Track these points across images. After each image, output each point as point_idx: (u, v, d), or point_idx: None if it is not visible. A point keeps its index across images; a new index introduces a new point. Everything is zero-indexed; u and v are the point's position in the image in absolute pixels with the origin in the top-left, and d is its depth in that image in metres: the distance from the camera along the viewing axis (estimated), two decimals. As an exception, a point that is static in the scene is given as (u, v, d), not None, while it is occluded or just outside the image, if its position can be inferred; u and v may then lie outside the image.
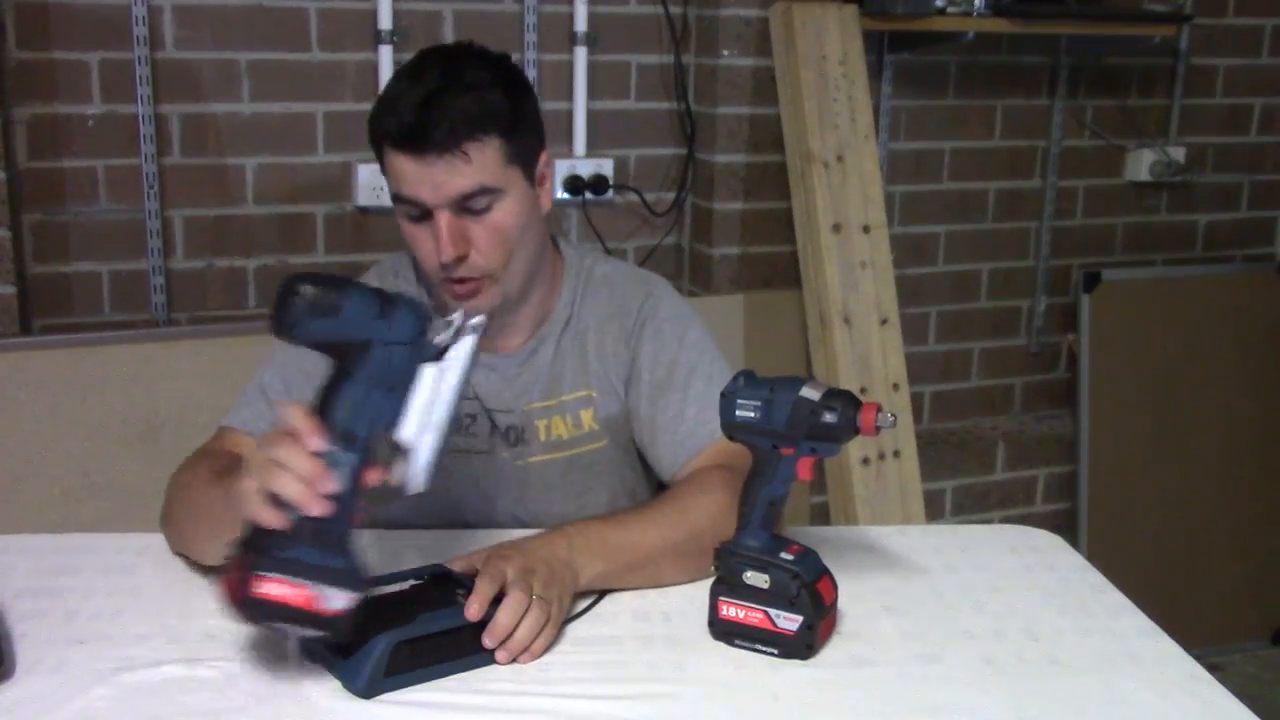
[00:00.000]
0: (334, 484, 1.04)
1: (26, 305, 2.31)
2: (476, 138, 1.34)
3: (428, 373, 1.09)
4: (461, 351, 1.11)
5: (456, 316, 1.13)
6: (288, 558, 1.03)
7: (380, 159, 1.40)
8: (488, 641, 1.14)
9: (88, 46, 2.30)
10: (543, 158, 1.44)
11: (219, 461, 1.35)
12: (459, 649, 1.15)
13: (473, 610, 1.14)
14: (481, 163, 1.35)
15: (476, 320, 1.14)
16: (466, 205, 1.36)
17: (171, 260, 2.42)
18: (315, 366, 1.46)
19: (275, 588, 1.03)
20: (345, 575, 1.04)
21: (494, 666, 1.16)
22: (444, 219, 1.35)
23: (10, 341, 2.21)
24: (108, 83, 2.32)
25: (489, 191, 1.36)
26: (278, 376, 1.46)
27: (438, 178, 1.34)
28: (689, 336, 1.52)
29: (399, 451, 1.07)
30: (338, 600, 1.04)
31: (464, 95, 1.34)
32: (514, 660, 1.16)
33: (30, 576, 1.30)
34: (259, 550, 1.04)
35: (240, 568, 1.04)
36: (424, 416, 1.08)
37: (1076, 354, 3.07)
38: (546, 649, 1.18)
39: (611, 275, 1.56)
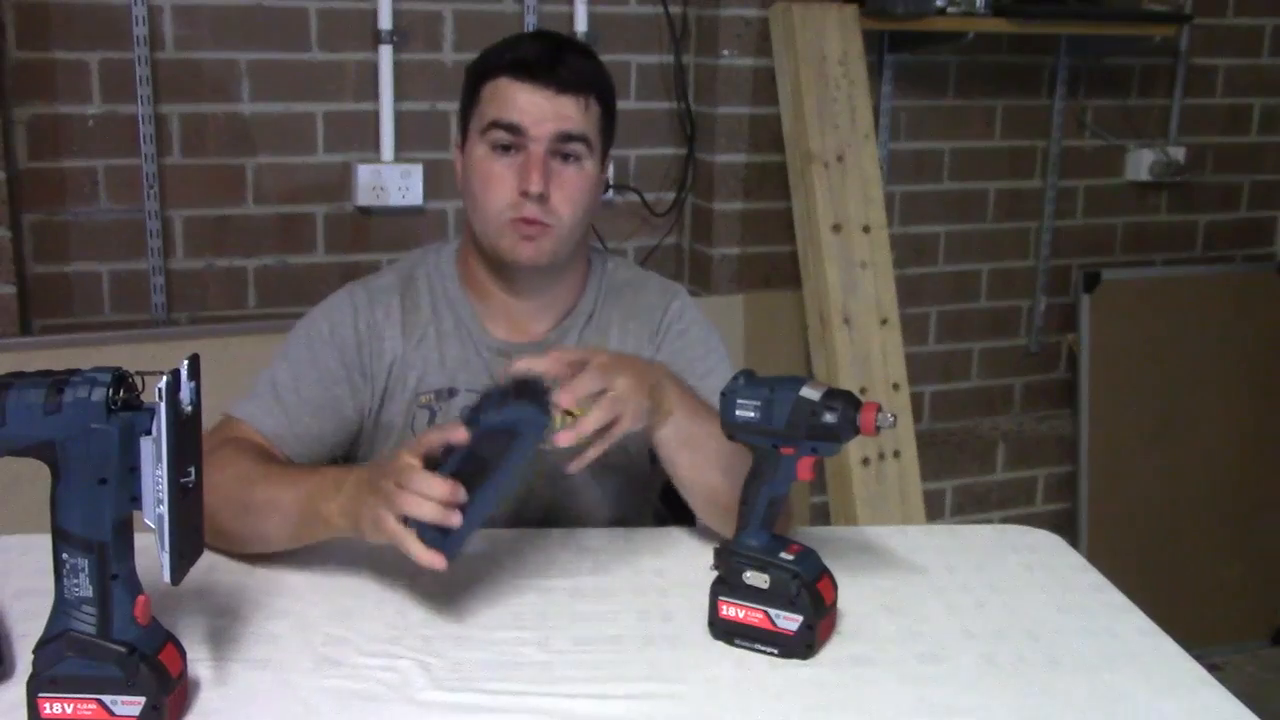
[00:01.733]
0: (440, 488, 1.13)
1: (26, 305, 2.31)
2: (594, 93, 1.44)
3: (146, 448, 0.98)
4: (162, 418, 0.97)
5: (160, 382, 0.98)
6: (59, 675, 1.01)
7: (474, 94, 1.45)
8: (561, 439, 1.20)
9: (88, 46, 2.30)
10: (609, 161, 1.53)
11: (252, 457, 1.37)
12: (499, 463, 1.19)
13: (565, 438, 1.21)
14: (590, 116, 1.44)
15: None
16: (563, 149, 1.42)
17: (171, 260, 2.42)
18: (331, 365, 1.47)
19: (58, 706, 1.01)
20: (119, 683, 1.01)
21: (494, 666, 1.16)
22: (539, 152, 1.41)
23: (10, 341, 2.21)
24: (108, 83, 2.32)
25: (586, 142, 1.44)
26: (290, 373, 1.48)
27: (553, 111, 1.40)
28: (711, 341, 1.59)
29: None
30: (124, 707, 1.01)
31: (589, 60, 1.48)
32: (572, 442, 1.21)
33: (30, 576, 1.30)
34: (35, 671, 1.02)
35: (28, 690, 1.02)
36: (155, 494, 0.99)
37: (1076, 354, 3.07)
38: (602, 450, 1.24)
39: (635, 280, 1.61)
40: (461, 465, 1.16)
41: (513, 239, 1.44)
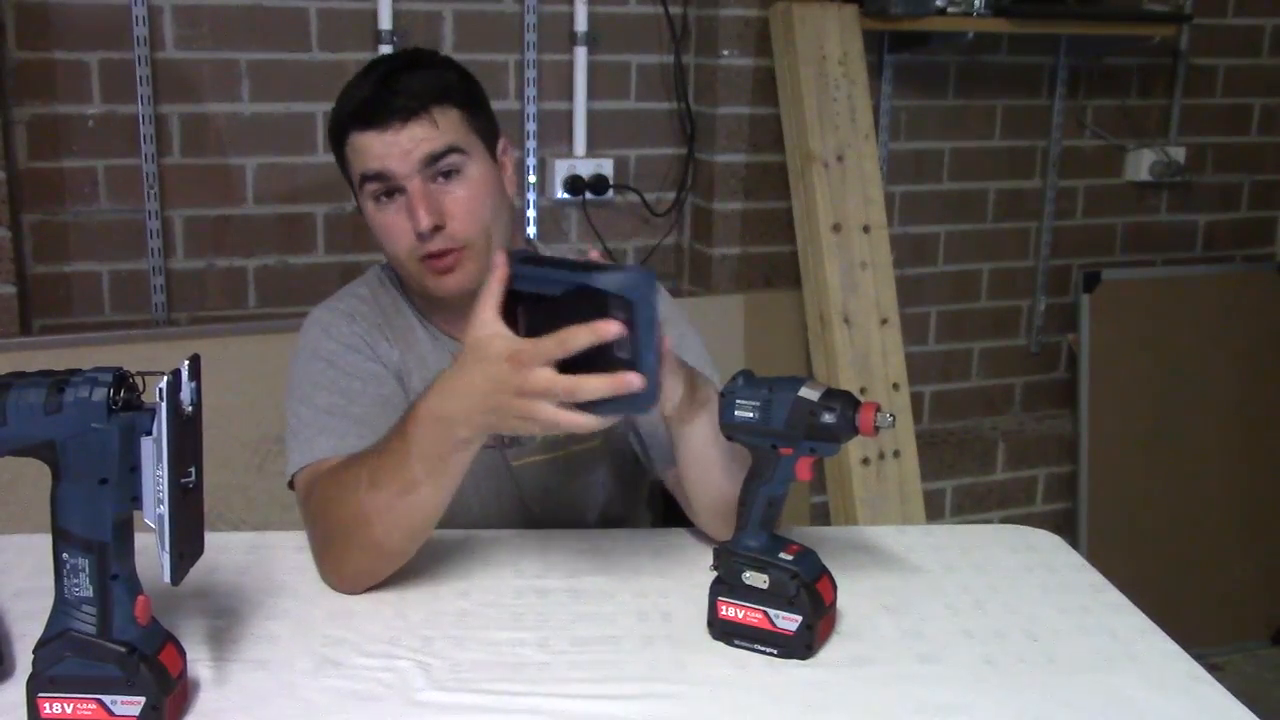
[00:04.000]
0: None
1: (26, 305, 2.31)
2: (440, 104, 1.38)
3: (147, 448, 0.98)
4: (163, 418, 0.97)
5: (161, 382, 0.98)
6: (59, 675, 1.01)
7: (343, 156, 1.42)
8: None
9: (88, 46, 2.30)
10: (501, 143, 1.47)
11: (353, 472, 1.28)
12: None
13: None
14: (446, 125, 1.38)
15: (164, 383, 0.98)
16: (437, 168, 1.37)
17: (171, 260, 2.42)
18: (368, 366, 1.43)
19: (58, 706, 1.01)
20: (119, 682, 1.01)
21: (493, 666, 1.16)
22: (415, 187, 1.36)
23: (10, 341, 2.21)
24: (108, 83, 2.32)
25: (457, 151, 1.38)
26: (333, 396, 1.40)
27: (405, 143, 1.36)
28: (680, 331, 1.52)
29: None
30: (124, 707, 1.01)
31: (422, 72, 1.40)
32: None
33: (30, 576, 1.30)
34: (35, 670, 1.02)
35: (28, 690, 1.02)
36: (155, 494, 0.98)
37: (1076, 354, 3.07)
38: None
39: None
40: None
41: (433, 278, 1.40)
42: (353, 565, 1.29)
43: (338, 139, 1.42)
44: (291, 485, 1.41)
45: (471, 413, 1.16)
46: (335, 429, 1.38)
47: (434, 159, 1.37)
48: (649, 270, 1.11)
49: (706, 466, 1.31)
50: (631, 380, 1.08)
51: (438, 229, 1.37)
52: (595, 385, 1.08)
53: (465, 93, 1.42)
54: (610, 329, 1.07)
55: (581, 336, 1.08)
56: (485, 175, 1.41)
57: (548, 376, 1.10)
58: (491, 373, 1.13)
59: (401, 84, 1.37)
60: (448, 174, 1.38)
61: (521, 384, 1.11)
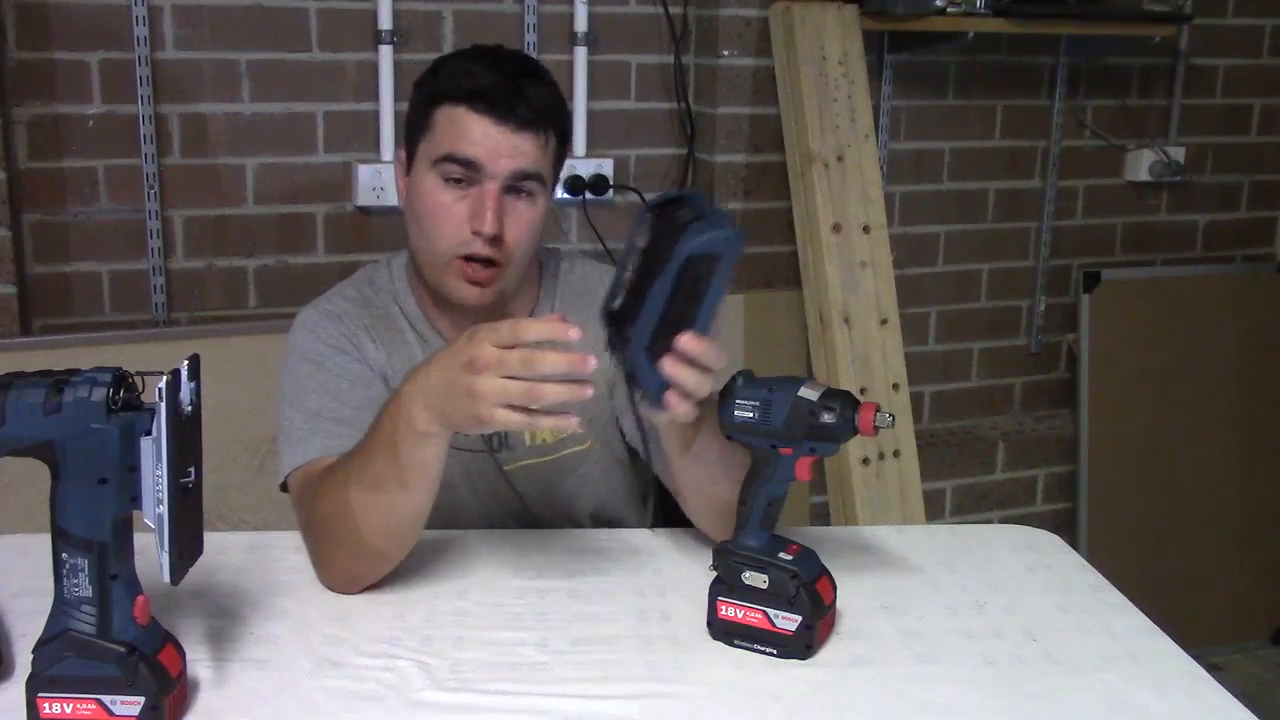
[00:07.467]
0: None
1: (26, 305, 2.31)
2: (551, 128, 1.39)
3: (146, 447, 0.98)
4: (162, 418, 0.97)
5: (161, 382, 0.98)
6: (59, 675, 1.01)
7: (426, 117, 1.38)
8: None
9: (88, 46, 2.30)
10: (559, 178, 1.48)
11: (339, 470, 1.28)
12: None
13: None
14: (545, 152, 1.39)
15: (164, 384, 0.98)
16: (520, 186, 1.37)
17: (171, 260, 2.42)
18: (354, 368, 1.43)
19: (58, 706, 1.01)
20: (118, 682, 1.01)
21: (493, 666, 1.16)
22: (493, 190, 1.36)
23: (10, 341, 2.21)
24: (108, 83, 2.32)
25: (540, 180, 1.39)
26: (322, 398, 1.40)
27: (511, 148, 1.35)
28: None
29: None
30: (123, 707, 1.01)
31: (548, 87, 1.40)
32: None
33: (30, 576, 1.30)
34: (35, 670, 1.02)
35: (28, 689, 1.02)
36: (154, 494, 0.98)
37: (1076, 354, 3.07)
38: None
39: (591, 277, 1.56)
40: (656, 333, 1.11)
41: (457, 280, 1.39)
42: (340, 565, 1.29)
43: (433, 100, 1.38)
44: (284, 488, 1.41)
45: (427, 404, 1.15)
46: (325, 431, 1.38)
47: (523, 176, 1.36)
48: (737, 231, 1.10)
49: (704, 471, 1.30)
50: (583, 390, 1.08)
51: (497, 237, 1.36)
52: (553, 391, 1.08)
53: (567, 128, 1.44)
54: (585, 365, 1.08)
55: (536, 327, 1.09)
56: (545, 209, 1.42)
57: (499, 385, 1.09)
58: (448, 369, 1.13)
59: (531, 91, 1.36)
60: (520, 193, 1.38)
61: (471, 385, 1.10)
